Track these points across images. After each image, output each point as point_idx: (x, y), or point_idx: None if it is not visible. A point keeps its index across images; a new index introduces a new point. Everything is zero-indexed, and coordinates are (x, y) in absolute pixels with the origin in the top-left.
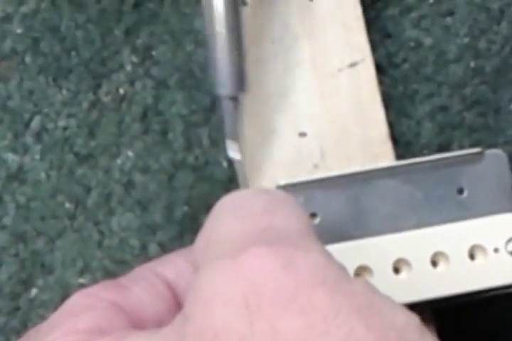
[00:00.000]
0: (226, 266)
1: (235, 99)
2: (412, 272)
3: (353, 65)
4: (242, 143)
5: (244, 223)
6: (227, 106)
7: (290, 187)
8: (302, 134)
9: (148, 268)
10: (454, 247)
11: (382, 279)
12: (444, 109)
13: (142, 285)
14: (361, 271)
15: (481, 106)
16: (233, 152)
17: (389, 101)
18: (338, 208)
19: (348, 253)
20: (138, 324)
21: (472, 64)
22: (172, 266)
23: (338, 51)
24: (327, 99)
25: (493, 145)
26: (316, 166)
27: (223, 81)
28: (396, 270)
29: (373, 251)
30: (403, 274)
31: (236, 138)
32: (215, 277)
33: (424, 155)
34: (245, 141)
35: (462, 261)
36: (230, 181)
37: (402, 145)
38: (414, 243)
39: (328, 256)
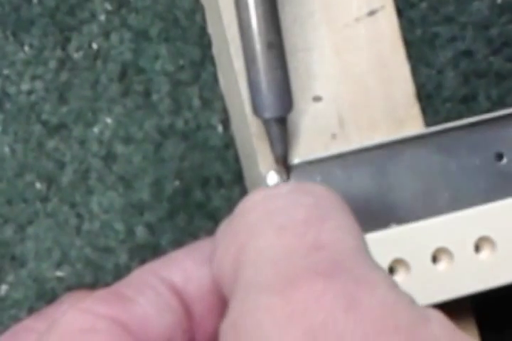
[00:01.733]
0: (275, 305)
1: (282, 121)
2: (453, 262)
3: (372, 13)
4: (243, 111)
5: (285, 237)
6: (274, 129)
7: (305, 166)
8: (316, 99)
9: (151, 272)
10: (500, 231)
11: (421, 273)
12: (468, 53)
13: (147, 296)
14: (396, 264)
15: (510, 48)
16: (280, 176)
17: (405, 48)
18: (362, 187)
19: (379, 245)
20: None
21: (499, 0)
22: (179, 268)
23: None
24: (343, 55)
25: None
26: (334, 136)
27: (268, 103)
28: (434, 259)
29: (408, 241)
30: (443, 265)
31: (284, 162)
32: (261, 318)
33: (446, 107)
34: (251, 111)
35: (509, 247)
36: (227, 148)
37: (422, 98)
38: (454, 228)
39: (395, 287)
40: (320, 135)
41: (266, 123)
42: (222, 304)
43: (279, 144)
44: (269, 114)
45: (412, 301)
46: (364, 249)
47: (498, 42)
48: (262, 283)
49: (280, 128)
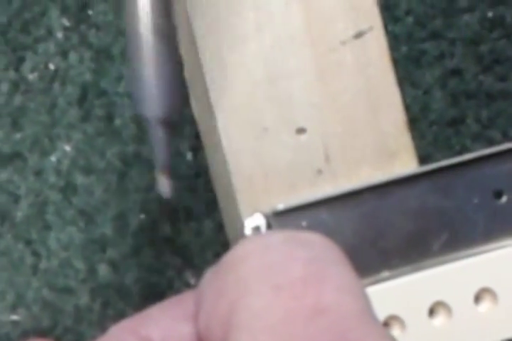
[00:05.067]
0: None
1: (167, 124)
2: (451, 316)
3: (359, 35)
4: (220, 146)
5: (283, 299)
6: (156, 131)
7: (290, 211)
8: (300, 131)
9: (128, 330)
10: (501, 281)
11: (417, 329)
12: (457, 72)
13: None
14: (391, 320)
15: (501, 66)
16: (164, 187)
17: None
18: (351, 232)
19: (372, 300)
20: None
21: (490, 13)
22: (157, 325)
23: (340, 18)
24: (328, 82)
25: None
26: (319, 172)
27: (152, 99)
28: (431, 312)
29: (403, 295)
30: (440, 319)
31: (168, 170)
32: None
33: (433, 131)
34: (228, 142)
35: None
36: (197, 177)
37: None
38: (453, 280)
39: None
40: (305, 171)
41: (148, 123)
42: None
43: (161, 150)
44: (151, 112)
45: None
46: (368, 310)
47: (489, 60)
48: None
49: (164, 132)
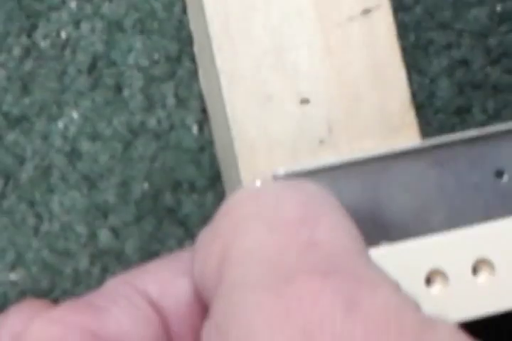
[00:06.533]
0: (266, 301)
1: None
2: (448, 285)
3: (366, 11)
4: (224, 113)
5: (277, 234)
6: None
7: (290, 177)
8: (304, 101)
9: (124, 282)
10: (499, 252)
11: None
12: (464, 63)
13: (121, 306)
14: None
15: (509, 60)
16: None
17: None
18: (351, 202)
19: None
20: None
21: (498, 7)
22: (155, 279)
23: None
24: (335, 56)
25: None
26: (321, 142)
27: None
28: (428, 282)
29: (400, 262)
30: (437, 288)
31: None
32: (249, 318)
33: (439, 119)
34: (232, 108)
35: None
36: (201, 150)
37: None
38: (450, 249)
39: (398, 290)
40: (307, 141)
41: None
42: (202, 317)
43: None
44: None
45: (417, 306)
46: (363, 250)
47: (497, 53)
48: (251, 281)
49: None
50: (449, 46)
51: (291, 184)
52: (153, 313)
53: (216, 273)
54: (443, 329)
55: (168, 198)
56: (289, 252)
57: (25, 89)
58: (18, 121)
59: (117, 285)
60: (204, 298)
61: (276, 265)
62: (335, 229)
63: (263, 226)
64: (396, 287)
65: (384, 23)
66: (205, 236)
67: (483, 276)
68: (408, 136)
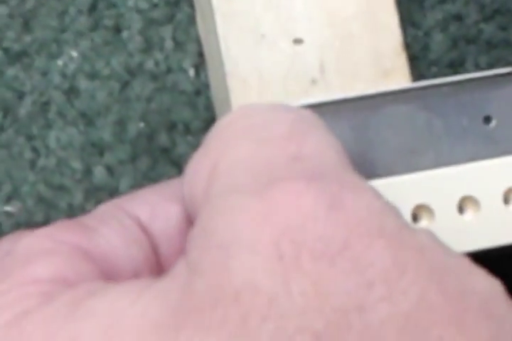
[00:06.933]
0: (250, 204)
1: None
2: (435, 220)
3: None
4: (219, 50)
5: (266, 148)
6: None
7: None
8: (298, 41)
9: (115, 206)
10: (485, 191)
11: None
12: (458, 18)
13: (111, 226)
14: None
15: (503, 16)
16: None
17: None
18: (341, 140)
19: None
20: (110, 274)
21: None
22: (146, 204)
23: None
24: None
25: None
26: (314, 81)
27: None
28: (415, 218)
29: (385, 195)
30: (423, 224)
31: None
32: (234, 218)
33: (432, 71)
34: (226, 46)
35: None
36: (197, 93)
37: (407, 60)
38: (437, 186)
39: (382, 197)
40: (300, 79)
41: None
42: None
43: None
44: None
45: (399, 213)
46: (347, 163)
47: (491, 9)
48: (238, 187)
49: None
50: (443, 0)
51: (280, 105)
52: (143, 234)
53: (204, 187)
54: (422, 234)
55: (163, 138)
56: (276, 163)
57: (27, 27)
58: (18, 57)
59: (108, 208)
60: (192, 215)
61: (262, 173)
62: (321, 143)
63: (252, 142)
64: (379, 194)
65: None
66: (195, 157)
67: (469, 214)
68: (399, 79)
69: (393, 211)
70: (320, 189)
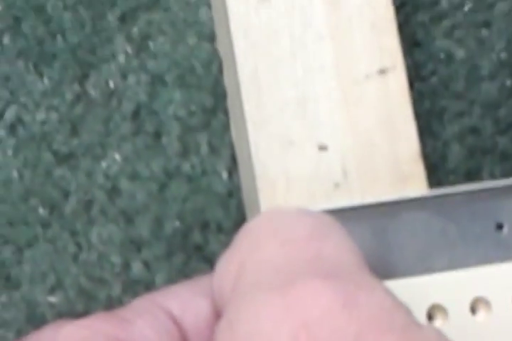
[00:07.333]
0: (272, 300)
1: None
2: (448, 320)
3: (382, 71)
4: (249, 154)
5: (289, 249)
6: None
7: None
8: (322, 147)
9: (150, 300)
10: (496, 293)
11: None
12: (474, 130)
13: (145, 319)
14: None
15: None
16: None
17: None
18: (360, 243)
19: None
20: None
21: (508, 82)
22: (177, 299)
23: (366, 55)
24: (352, 108)
25: None
26: (337, 185)
27: None
28: (430, 317)
29: (401, 296)
30: (439, 322)
31: None
32: (257, 311)
33: (450, 179)
34: (256, 151)
35: (505, 309)
36: (230, 195)
37: (426, 167)
38: (451, 287)
39: (393, 296)
40: (323, 183)
41: None
42: None
43: None
44: None
45: (408, 311)
46: (364, 264)
47: (505, 123)
48: (262, 285)
49: None
50: (461, 114)
51: (302, 210)
52: (174, 327)
53: (232, 284)
54: (429, 330)
55: (197, 236)
56: (298, 262)
57: (74, 131)
58: (66, 159)
59: (142, 301)
60: (220, 309)
61: (284, 271)
62: (339, 246)
63: (276, 243)
64: (391, 293)
65: (398, 82)
66: (224, 256)
67: (481, 314)
68: (416, 185)
69: (403, 308)
70: (336, 287)
